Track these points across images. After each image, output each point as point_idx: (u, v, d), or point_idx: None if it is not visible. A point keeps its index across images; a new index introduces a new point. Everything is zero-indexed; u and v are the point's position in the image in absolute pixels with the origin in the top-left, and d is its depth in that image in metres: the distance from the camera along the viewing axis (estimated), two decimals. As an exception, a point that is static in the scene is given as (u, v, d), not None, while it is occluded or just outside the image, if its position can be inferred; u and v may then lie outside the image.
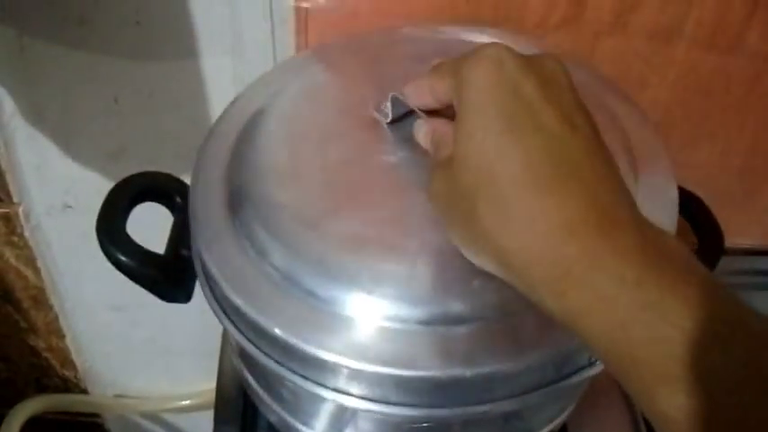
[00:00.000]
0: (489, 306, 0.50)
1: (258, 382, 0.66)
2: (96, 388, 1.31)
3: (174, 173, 0.66)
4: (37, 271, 1.08)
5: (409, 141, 0.56)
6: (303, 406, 0.63)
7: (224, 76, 0.86)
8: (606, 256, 0.38)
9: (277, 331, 0.50)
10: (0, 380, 1.29)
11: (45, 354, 1.24)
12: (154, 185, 0.65)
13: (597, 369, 0.54)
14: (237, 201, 0.57)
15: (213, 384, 0.83)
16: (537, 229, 0.39)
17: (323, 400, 0.55)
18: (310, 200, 0.55)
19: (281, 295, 0.52)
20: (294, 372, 0.53)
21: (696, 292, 0.36)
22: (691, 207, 0.66)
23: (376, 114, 0.60)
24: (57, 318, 1.16)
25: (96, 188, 0.61)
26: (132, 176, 0.64)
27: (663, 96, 0.87)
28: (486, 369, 0.49)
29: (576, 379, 0.54)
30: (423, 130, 0.53)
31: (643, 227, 0.40)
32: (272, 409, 0.66)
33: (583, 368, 0.54)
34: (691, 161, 0.93)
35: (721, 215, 0.66)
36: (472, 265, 0.46)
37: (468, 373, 0.49)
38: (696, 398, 0.35)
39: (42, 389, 1.30)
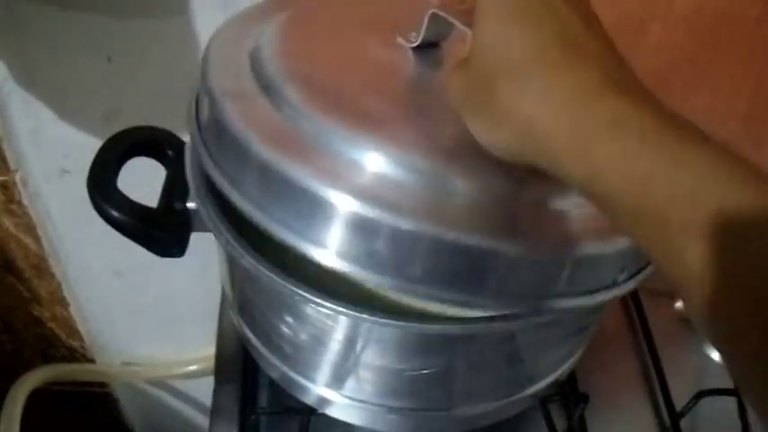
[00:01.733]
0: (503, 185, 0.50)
1: (258, 337, 0.65)
2: (103, 357, 1.31)
3: (172, 130, 0.65)
4: (37, 239, 1.07)
5: (431, 66, 0.57)
6: (304, 358, 0.62)
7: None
8: (627, 113, 0.39)
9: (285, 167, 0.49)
10: (6, 352, 1.28)
11: (50, 324, 1.23)
12: (145, 140, 0.64)
13: (605, 295, 0.53)
14: (261, 77, 0.57)
15: (217, 348, 0.82)
16: (558, 97, 0.41)
17: (322, 328, 0.54)
18: (329, 77, 0.56)
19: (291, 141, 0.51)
20: (279, 222, 0.51)
21: (715, 147, 0.37)
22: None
23: (400, 39, 0.60)
24: (60, 286, 1.15)
25: (93, 151, 0.60)
26: (123, 132, 0.64)
27: (665, 41, 0.85)
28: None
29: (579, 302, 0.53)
30: None
31: (652, 95, 0.42)
32: (273, 364, 0.65)
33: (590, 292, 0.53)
34: (695, 107, 0.91)
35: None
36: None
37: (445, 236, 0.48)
38: (719, 246, 0.35)
39: (49, 360, 1.29)
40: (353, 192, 0.47)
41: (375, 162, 0.49)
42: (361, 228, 0.48)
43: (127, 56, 0.88)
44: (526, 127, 0.42)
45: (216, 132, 0.55)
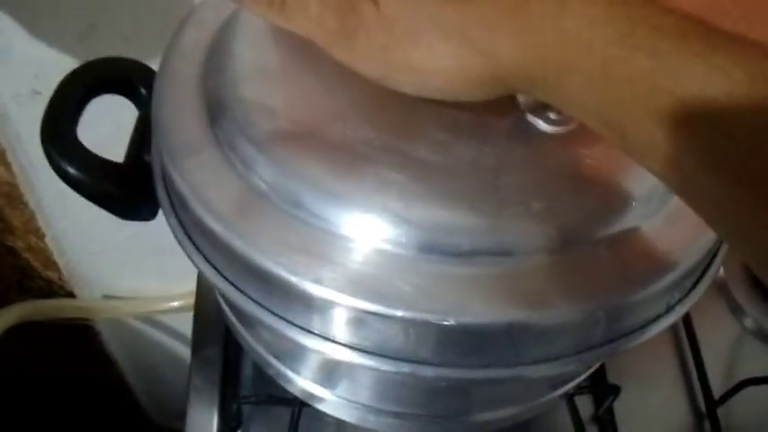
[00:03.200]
0: (500, 242, 0.42)
1: (240, 321, 0.57)
2: (83, 290, 1.25)
3: (152, 55, 0.55)
4: (7, 165, 0.99)
5: None
6: (288, 348, 0.54)
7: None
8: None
9: (240, 247, 0.42)
10: (-21, 282, 1.22)
11: (25, 254, 1.17)
12: (113, 74, 0.55)
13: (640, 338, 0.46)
14: (216, 107, 0.47)
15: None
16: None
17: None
18: (300, 104, 0.46)
19: (261, 215, 0.43)
20: (274, 313, 0.44)
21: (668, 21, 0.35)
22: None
23: None
24: (34, 215, 1.08)
25: (67, 72, 0.52)
26: (86, 65, 0.55)
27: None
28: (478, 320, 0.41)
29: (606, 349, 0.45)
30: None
31: None
32: (257, 351, 0.57)
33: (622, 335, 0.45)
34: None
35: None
36: (484, 187, 0.42)
37: (448, 320, 0.40)
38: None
39: (25, 291, 1.24)
40: (328, 282, 0.40)
41: (354, 231, 0.42)
42: (344, 317, 0.41)
43: (106, -34, 0.79)
44: (472, 42, 0.39)
45: (174, 195, 0.47)
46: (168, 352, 1.39)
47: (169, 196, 0.48)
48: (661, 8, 0.36)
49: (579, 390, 0.68)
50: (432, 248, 0.41)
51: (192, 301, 1.16)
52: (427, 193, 0.42)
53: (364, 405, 0.55)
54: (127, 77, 0.55)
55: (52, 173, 0.96)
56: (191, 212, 0.44)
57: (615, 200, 0.44)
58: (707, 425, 0.72)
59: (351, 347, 0.43)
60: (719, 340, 0.79)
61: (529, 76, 0.38)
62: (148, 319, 1.32)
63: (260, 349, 0.57)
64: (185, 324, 1.27)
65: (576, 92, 0.37)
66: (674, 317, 0.47)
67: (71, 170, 0.48)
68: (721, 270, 0.81)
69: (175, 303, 1.22)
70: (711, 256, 0.48)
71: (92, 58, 0.55)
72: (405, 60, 0.41)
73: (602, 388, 0.70)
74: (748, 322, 0.80)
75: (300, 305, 0.42)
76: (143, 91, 0.54)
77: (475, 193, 0.42)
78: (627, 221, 0.44)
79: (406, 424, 0.56)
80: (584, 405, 0.70)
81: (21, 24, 0.83)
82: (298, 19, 0.44)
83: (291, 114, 0.46)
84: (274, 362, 0.56)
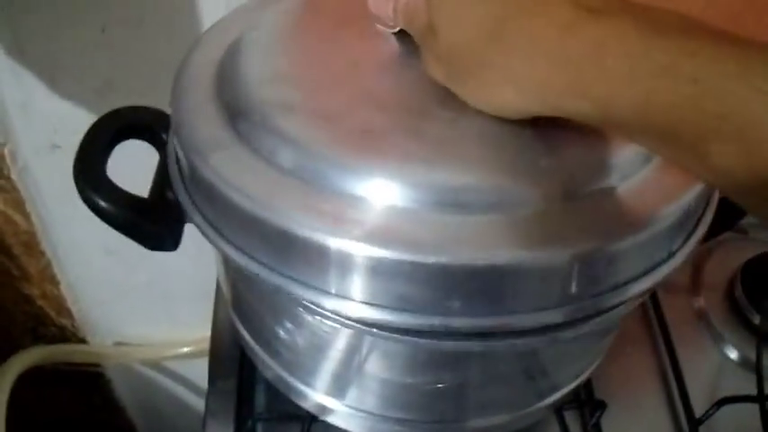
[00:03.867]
0: (513, 194, 0.46)
1: (254, 337, 0.61)
2: (95, 336, 1.28)
3: (167, 107, 0.59)
4: (26, 215, 1.03)
5: (417, 51, 0.52)
6: (303, 364, 0.58)
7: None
8: (605, 37, 0.40)
9: (288, 225, 0.45)
10: (-5, 329, 1.24)
11: (39, 302, 1.20)
12: (136, 121, 0.60)
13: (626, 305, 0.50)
14: (234, 111, 0.52)
15: (212, 330, 0.78)
16: (536, 45, 0.42)
17: (325, 336, 0.50)
18: (316, 98, 0.51)
19: (290, 192, 0.46)
20: (293, 279, 0.47)
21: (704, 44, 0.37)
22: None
23: (379, 26, 0.55)
24: (50, 264, 1.12)
25: (85, 127, 0.56)
26: (113, 112, 0.59)
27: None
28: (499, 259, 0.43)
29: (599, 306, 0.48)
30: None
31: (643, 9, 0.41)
32: (270, 367, 0.61)
33: (608, 291, 0.48)
34: None
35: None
36: (496, 151, 0.47)
37: (480, 261, 0.43)
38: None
39: (39, 338, 1.26)
40: (365, 237, 0.43)
41: (380, 195, 0.45)
42: (383, 272, 0.44)
43: (121, 26, 0.83)
44: (522, 81, 0.43)
45: (202, 192, 0.51)
46: (178, 400, 1.41)
47: (191, 197, 0.52)
48: (691, 32, 0.38)
49: (567, 404, 0.71)
50: (451, 204, 0.44)
51: (202, 346, 1.21)
52: (442, 159, 0.46)
53: (372, 414, 0.58)
54: (148, 124, 0.60)
55: (68, 223, 1.02)
56: (222, 201, 0.48)
57: (610, 155, 0.48)
58: None
59: (381, 306, 0.46)
60: (701, 365, 0.82)
61: (571, 108, 0.42)
62: (158, 367, 1.34)
63: (274, 365, 0.60)
64: (195, 371, 1.32)
65: (620, 119, 0.40)
66: (675, 262, 0.50)
67: (101, 203, 0.53)
68: (702, 300, 0.86)
69: (185, 349, 1.25)
70: (705, 203, 0.52)
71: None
72: (461, 92, 0.47)
73: (589, 403, 0.73)
74: (728, 349, 0.83)
75: (336, 268, 0.45)
76: (163, 136, 0.59)
77: (482, 155, 0.46)
78: (620, 174, 0.48)
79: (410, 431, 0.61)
80: (573, 423, 0.73)
81: (41, 81, 0.87)
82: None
83: (307, 107, 0.50)
84: (288, 377, 0.60)
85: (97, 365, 1.33)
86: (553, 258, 0.44)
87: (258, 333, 0.60)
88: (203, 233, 0.50)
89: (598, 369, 0.67)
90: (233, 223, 0.48)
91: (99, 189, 0.53)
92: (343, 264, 0.44)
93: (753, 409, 0.75)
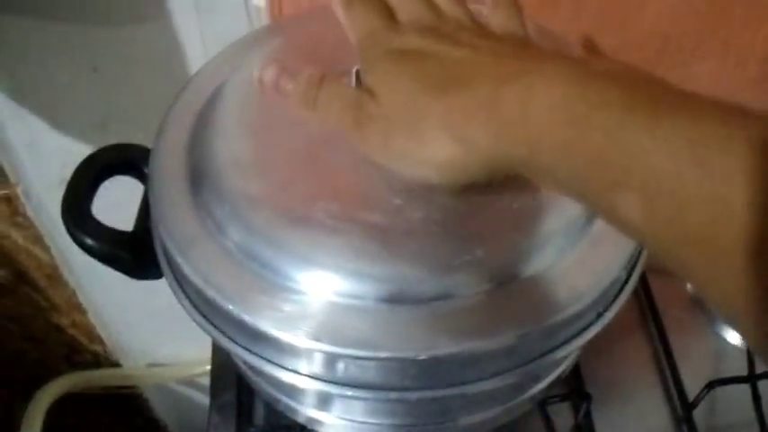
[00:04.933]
0: (454, 285, 0.49)
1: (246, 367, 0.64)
2: (127, 360, 1.31)
3: None
4: (46, 249, 1.06)
5: None
6: (290, 389, 0.61)
7: (195, 36, 0.82)
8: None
9: (229, 308, 0.49)
10: (30, 360, 1.28)
11: (70, 330, 1.23)
12: (121, 159, 0.63)
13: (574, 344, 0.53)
14: (197, 180, 0.55)
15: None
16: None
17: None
18: (269, 182, 0.53)
19: (238, 271, 0.50)
20: (251, 352, 0.51)
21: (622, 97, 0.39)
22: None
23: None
24: (75, 293, 1.15)
25: None
26: (96, 153, 0.62)
27: (666, 10, 0.81)
28: (441, 351, 0.48)
29: (549, 358, 0.52)
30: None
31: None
32: (263, 388, 0.64)
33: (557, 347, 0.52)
34: (702, 72, 0.87)
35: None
36: (438, 243, 0.49)
37: (422, 355, 0.47)
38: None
39: (73, 365, 1.29)
40: (314, 334, 0.47)
41: (329, 289, 0.49)
42: (332, 361, 0.49)
43: (112, 64, 0.86)
44: (458, 130, 0.44)
45: (179, 275, 0.54)
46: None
47: (175, 277, 0.56)
48: (616, 82, 0.39)
49: (550, 400, 0.73)
50: (393, 298, 0.48)
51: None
52: (385, 252, 0.48)
53: (360, 422, 0.61)
54: (132, 161, 0.63)
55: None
56: (196, 289, 0.52)
57: (539, 239, 0.50)
58: (684, 428, 0.76)
59: (336, 383, 0.50)
60: (693, 349, 0.82)
61: (505, 158, 0.43)
62: (193, 383, 1.37)
63: (268, 388, 0.64)
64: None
65: (546, 169, 0.41)
66: (602, 323, 0.53)
67: (87, 240, 0.56)
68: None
69: (216, 365, 1.27)
70: (630, 268, 0.54)
71: (112, 143, 0.63)
72: (402, 150, 0.47)
73: (575, 396, 0.75)
74: (722, 330, 0.84)
75: (291, 355, 0.49)
76: (146, 170, 0.62)
77: (426, 249, 0.49)
78: (550, 256, 0.50)
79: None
80: (563, 415, 0.75)
81: (43, 120, 0.90)
82: (325, 115, 0.51)
83: (268, 200, 0.52)
84: (281, 397, 0.63)
85: (133, 387, 1.36)
86: (488, 345, 0.48)
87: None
88: (177, 299, 0.56)
89: (587, 360, 0.69)
90: (204, 305, 0.53)
91: (84, 227, 0.57)
92: (296, 352, 0.49)
93: (747, 391, 0.76)
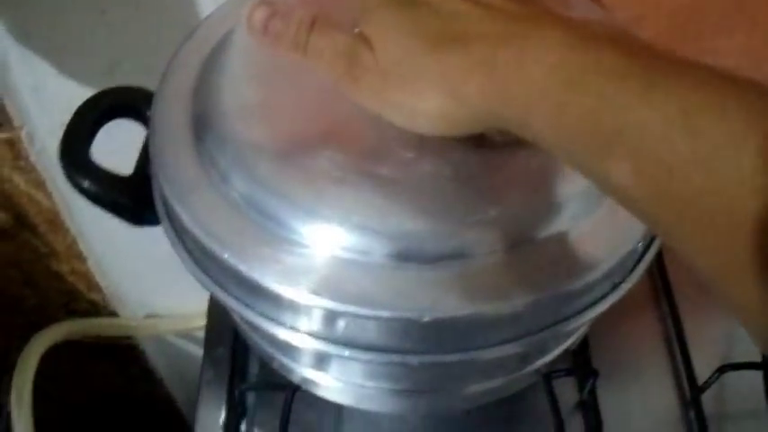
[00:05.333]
0: (464, 244, 0.48)
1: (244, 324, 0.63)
2: (125, 310, 1.30)
3: None
4: (48, 194, 1.06)
5: None
6: (287, 347, 0.60)
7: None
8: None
9: (227, 257, 0.47)
10: (29, 306, 1.27)
11: (70, 278, 1.22)
12: (123, 101, 0.62)
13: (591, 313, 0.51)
14: (201, 126, 0.54)
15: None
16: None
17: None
18: (276, 130, 0.52)
19: (239, 222, 0.49)
20: (248, 307, 0.50)
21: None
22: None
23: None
24: (75, 241, 1.14)
25: None
26: (99, 94, 0.62)
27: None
28: (443, 314, 0.46)
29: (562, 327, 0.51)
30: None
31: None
32: (258, 345, 0.64)
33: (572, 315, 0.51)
34: (729, 47, 0.86)
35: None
36: (450, 199, 0.48)
37: (426, 316, 0.46)
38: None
39: (71, 313, 1.29)
40: (315, 289, 0.46)
41: (332, 244, 0.47)
42: (332, 318, 0.48)
43: (120, 7, 0.85)
44: (455, 87, 0.44)
45: (178, 224, 0.53)
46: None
47: (173, 226, 0.55)
48: (613, 48, 0.39)
49: (555, 374, 0.72)
50: (400, 255, 0.47)
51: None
52: (393, 206, 0.48)
53: (357, 385, 0.60)
54: (135, 104, 0.62)
55: (89, 199, 1.04)
56: (195, 239, 0.51)
57: (556, 202, 0.49)
58: (691, 412, 0.75)
59: (335, 343, 0.49)
60: (707, 330, 0.81)
61: (498, 116, 0.43)
62: (190, 336, 1.36)
63: (264, 346, 0.63)
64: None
65: (539, 129, 0.42)
66: (617, 294, 0.52)
67: (85, 183, 0.56)
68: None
69: (214, 318, 1.27)
70: (648, 241, 0.54)
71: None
72: (397, 101, 0.47)
73: (581, 372, 0.74)
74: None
75: (290, 311, 0.48)
76: (149, 113, 0.61)
77: (438, 205, 0.48)
78: (566, 220, 0.49)
79: (397, 400, 0.62)
80: (568, 390, 0.74)
81: (50, 63, 0.89)
82: (315, 60, 0.50)
83: (274, 148, 0.51)
84: (277, 355, 0.62)
85: (130, 337, 1.36)
86: (497, 310, 0.47)
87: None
88: (175, 250, 0.55)
89: (596, 336, 0.68)
90: (203, 256, 0.52)
91: (82, 170, 0.56)
92: (295, 308, 0.48)
93: (757, 376, 0.76)
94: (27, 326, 1.20)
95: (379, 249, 0.47)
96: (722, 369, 0.75)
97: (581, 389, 0.74)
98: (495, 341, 0.49)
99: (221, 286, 0.51)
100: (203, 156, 0.52)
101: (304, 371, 0.62)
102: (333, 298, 0.46)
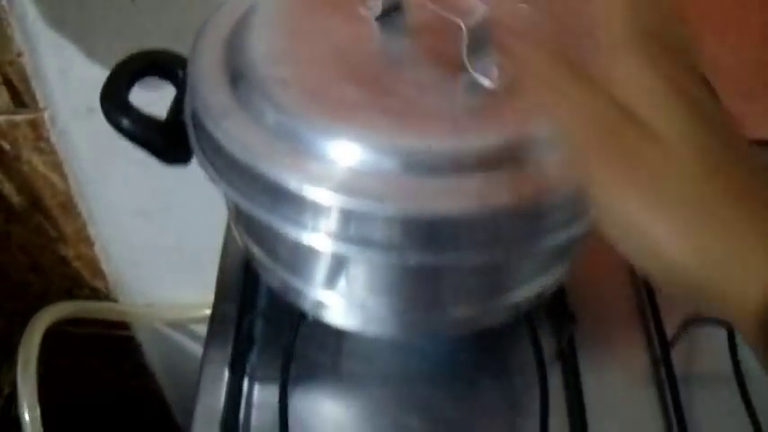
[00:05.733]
0: (461, 161, 0.54)
1: (259, 245, 0.69)
2: (125, 299, 1.34)
3: None
4: (64, 177, 1.10)
5: (394, 33, 0.62)
6: (300, 264, 0.66)
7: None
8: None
9: (258, 165, 0.55)
10: (33, 291, 1.31)
11: (75, 263, 1.27)
12: (157, 61, 0.68)
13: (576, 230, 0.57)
14: (234, 71, 0.61)
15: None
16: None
17: (315, 253, 0.59)
18: (301, 72, 0.60)
19: (268, 141, 0.56)
20: (278, 214, 0.56)
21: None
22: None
23: (362, 10, 0.64)
24: (85, 225, 1.19)
25: None
26: (137, 53, 0.68)
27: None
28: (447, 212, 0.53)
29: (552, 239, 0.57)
30: None
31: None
32: (272, 271, 0.69)
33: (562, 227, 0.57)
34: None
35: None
36: (445, 125, 0.56)
37: (426, 213, 0.53)
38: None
39: (74, 299, 1.32)
40: (335, 187, 0.53)
41: (354, 157, 0.54)
42: (348, 216, 0.54)
43: (149, -5, 0.90)
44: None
45: (212, 148, 0.59)
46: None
47: (203, 148, 0.61)
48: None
49: (537, 313, 0.77)
50: (407, 168, 0.54)
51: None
52: (402, 129, 0.55)
53: (360, 305, 0.67)
54: (168, 64, 0.68)
55: (104, 184, 1.10)
56: (227, 155, 0.57)
57: (546, 131, 0.52)
58: (662, 369, 0.78)
59: (346, 242, 0.56)
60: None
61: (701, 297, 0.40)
62: (187, 331, 1.40)
63: (277, 270, 0.69)
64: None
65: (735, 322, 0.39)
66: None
67: (124, 123, 0.62)
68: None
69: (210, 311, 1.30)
70: None
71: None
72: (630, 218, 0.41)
73: (559, 315, 0.79)
74: None
75: (311, 212, 0.55)
76: (179, 73, 0.67)
77: (438, 128, 0.55)
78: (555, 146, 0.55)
79: (393, 321, 0.69)
80: (546, 342, 0.77)
81: (78, 48, 0.95)
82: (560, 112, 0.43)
83: (297, 84, 0.59)
84: (289, 278, 0.68)
85: (127, 328, 1.39)
86: (481, 212, 0.54)
87: (263, 242, 0.69)
88: (206, 172, 0.60)
89: (571, 279, 0.73)
90: (233, 171, 0.57)
91: (122, 110, 0.62)
92: (316, 209, 0.54)
93: (723, 333, 0.79)
94: (28, 311, 1.23)
95: (388, 163, 0.53)
96: (687, 323, 0.80)
97: (559, 337, 0.79)
98: (482, 244, 0.56)
99: (249, 199, 0.57)
100: (236, 93, 0.59)
101: (314, 292, 0.68)
102: (349, 195, 0.53)
